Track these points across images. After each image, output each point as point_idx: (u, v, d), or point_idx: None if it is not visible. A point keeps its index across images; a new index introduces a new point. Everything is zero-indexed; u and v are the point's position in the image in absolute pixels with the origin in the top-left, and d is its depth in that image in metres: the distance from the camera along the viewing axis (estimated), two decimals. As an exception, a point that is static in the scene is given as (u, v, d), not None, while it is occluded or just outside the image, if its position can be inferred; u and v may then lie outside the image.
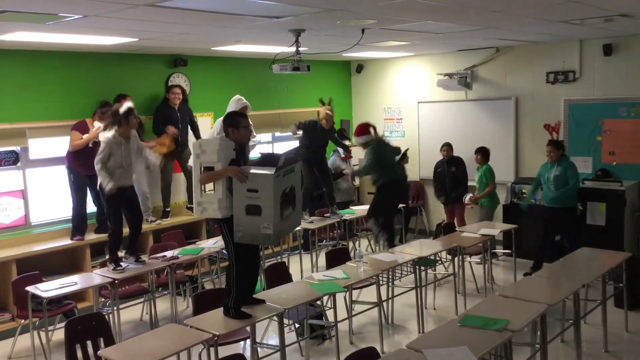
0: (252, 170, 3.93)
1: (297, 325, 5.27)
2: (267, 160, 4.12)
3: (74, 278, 5.31)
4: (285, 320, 4.48)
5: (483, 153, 7.72)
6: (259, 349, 4.60)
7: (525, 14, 5.13)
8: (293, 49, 5.74)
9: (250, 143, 6.65)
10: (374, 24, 5.31)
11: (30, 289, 5.01)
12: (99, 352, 3.93)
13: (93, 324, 4.23)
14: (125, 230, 5.58)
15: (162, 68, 7.44)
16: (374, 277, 5.24)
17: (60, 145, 6.47)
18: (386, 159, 6.67)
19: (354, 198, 9.08)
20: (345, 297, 5.43)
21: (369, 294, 5.75)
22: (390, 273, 5.63)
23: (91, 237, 6.55)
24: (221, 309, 4.18)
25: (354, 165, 9.29)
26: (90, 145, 6.31)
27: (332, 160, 8.70)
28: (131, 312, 6.13)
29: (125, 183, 5.40)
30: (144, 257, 5.79)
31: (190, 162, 6.91)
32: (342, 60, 9.69)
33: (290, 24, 5.05)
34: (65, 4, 3.83)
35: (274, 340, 5.12)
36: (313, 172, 7.35)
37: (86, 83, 6.70)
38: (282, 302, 4.38)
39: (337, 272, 5.15)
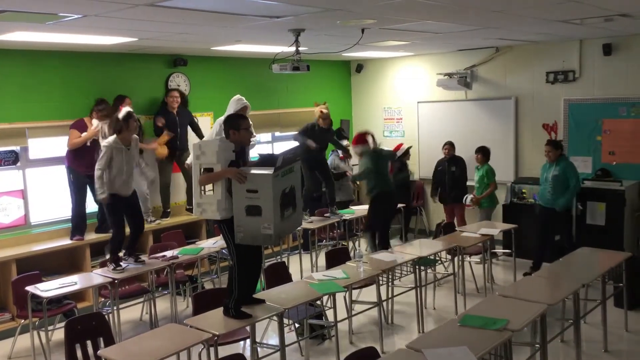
0: (252, 171, 3.94)
1: (297, 325, 5.27)
2: (266, 161, 4.13)
3: (74, 278, 5.31)
4: (285, 320, 4.48)
5: (483, 152, 7.72)
6: (258, 349, 4.60)
7: (525, 13, 5.13)
8: (293, 48, 5.74)
9: (251, 143, 6.66)
10: (373, 24, 5.31)
11: (30, 288, 5.01)
12: (98, 352, 3.93)
13: (93, 323, 4.23)
14: (126, 231, 5.58)
15: (162, 68, 7.43)
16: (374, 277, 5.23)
17: (60, 145, 6.47)
18: (380, 167, 6.71)
19: (353, 198, 9.08)
20: (345, 297, 5.43)
21: (368, 294, 5.75)
22: (390, 273, 5.63)
23: (91, 237, 6.55)
24: (221, 309, 4.18)
25: (353, 165, 9.29)
26: (89, 144, 6.31)
27: (331, 159, 8.70)
28: (131, 312, 6.13)
29: (126, 192, 5.40)
30: (144, 257, 5.78)
31: (189, 161, 6.92)
32: (341, 60, 9.69)
33: (290, 23, 5.05)
34: (64, 3, 3.83)
35: (274, 340, 5.11)
36: (314, 174, 7.36)
37: (86, 83, 6.70)
38: (282, 302, 4.38)
39: (337, 272, 5.15)
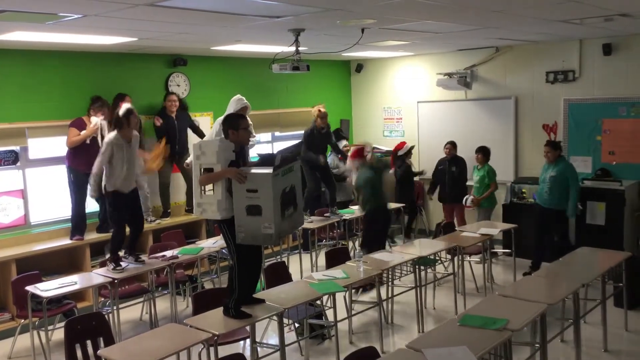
0: (251, 170, 3.94)
1: (296, 325, 5.27)
2: (266, 161, 4.13)
3: (74, 278, 5.31)
4: (285, 320, 4.48)
5: (484, 152, 7.72)
6: (258, 349, 4.60)
7: (525, 13, 5.13)
8: (293, 48, 5.74)
9: (250, 142, 6.66)
10: (373, 24, 5.31)
11: (29, 288, 5.01)
12: (98, 352, 3.93)
13: (93, 323, 4.23)
14: (126, 230, 5.58)
15: (162, 68, 7.43)
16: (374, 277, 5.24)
17: (59, 145, 6.46)
18: (375, 182, 6.66)
19: (353, 197, 9.08)
20: (345, 297, 5.43)
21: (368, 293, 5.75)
22: (390, 273, 5.63)
23: (91, 236, 6.54)
24: (221, 309, 4.18)
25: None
26: (88, 142, 6.30)
27: (330, 160, 8.70)
28: (131, 312, 6.13)
29: (128, 188, 5.40)
30: (144, 257, 5.78)
31: (188, 161, 6.93)
32: (341, 60, 9.69)
33: (290, 23, 5.05)
34: (64, 3, 3.83)
35: (274, 340, 5.11)
36: (315, 174, 7.36)
37: (86, 83, 6.70)
38: (281, 301, 4.38)
39: (337, 272, 5.15)
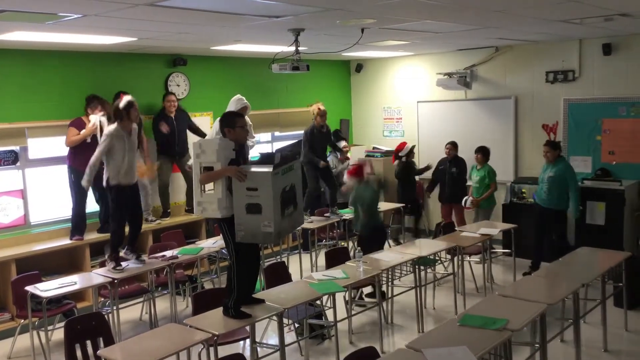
0: (251, 169, 3.94)
1: (296, 325, 5.27)
2: (266, 160, 4.12)
3: (74, 278, 5.31)
4: (285, 320, 4.48)
5: (483, 152, 7.72)
6: (258, 349, 4.60)
7: (525, 13, 5.12)
8: (292, 48, 5.74)
9: (250, 144, 6.67)
10: (373, 24, 5.31)
11: (29, 288, 5.01)
12: (98, 352, 3.93)
13: (92, 323, 4.23)
14: (126, 230, 5.58)
15: (162, 67, 7.43)
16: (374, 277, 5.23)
17: (59, 144, 6.45)
18: (368, 200, 6.50)
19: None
20: (344, 297, 5.43)
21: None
22: (390, 273, 5.63)
23: (90, 236, 6.54)
24: (221, 309, 4.18)
25: (352, 164, 9.28)
26: (89, 140, 6.30)
27: (329, 160, 8.68)
28: (131, 312, 6.12)
29: (130, 181, 5.41)
30: (144, 257, 5.78)
31: (190, 162, 6.93)
32: (341, 60, 9.69)
33: (289, 23, 5.05)
34: (64, 3, 3.82)
35: (274, 340, 5.11)
36: (316, 174, 7.35)
37: (86, 82, 6.69)
38: (281, 301, 4.37)
39: (337, 272, 5.15)
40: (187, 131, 7.38)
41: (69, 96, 6.57)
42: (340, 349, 4.86)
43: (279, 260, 6.39)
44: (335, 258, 5.70)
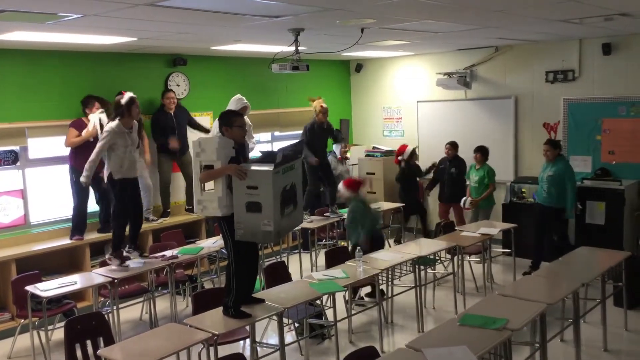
0: (252, 167, 3.93)
1: (296, 325, 5.26)
2: (267, 158, 4.12)
3: (74, 277, 5.31)
4: (285, 320, 4.48)
5: (482, 152, 7.72)
6: (258, 349, 4.60)
7: (525, 13, 5.12)
8: (292, 48, 5.74)
9: (250, 145, 6.67)
10: (373, 24, 5.31)
11: (29, 288, 5.01)
12: (98, 352, 3.93)
13: (93, 323, 4.23)
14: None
15: (162, 67, 7.43)
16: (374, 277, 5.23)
17: (59, 144, 6.46)
18: (370, 227, 6.37)
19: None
20: (344, 296, 5.43)
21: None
22: (390, 272, 5.63)
23: (90, 236, 6.54)
24: (221, 309, 4.18)
25: (352, 164, 9.29)
26: (92, 139, 6.29)
27: (328, 159, 8.67)
28: (131, 312, 6.13)
29: (133, 174, 5.44)
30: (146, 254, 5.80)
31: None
32: (341, 60, 9.69)
33: (289, 23, 5.05)
34: (64, 3, 3.82)
35: (274, 340, 5.12)
36: (317, 173, 7.34)
37: (86, 82, 6.69)
38: (281, 301, 4.37)
39: (337, 272, 5.15)
40: (187, 130, 7.38)
41: (69, 96, 6.57)
42: (340, 349, 4.86)
43: (278, 259, 6.39)
44: (335, 258, 5.70)
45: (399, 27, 5.63)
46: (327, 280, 4.90)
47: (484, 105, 8.48)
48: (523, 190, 7.79)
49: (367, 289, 6.24)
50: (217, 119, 6.79)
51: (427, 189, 8.56)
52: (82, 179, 5.36)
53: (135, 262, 5.50)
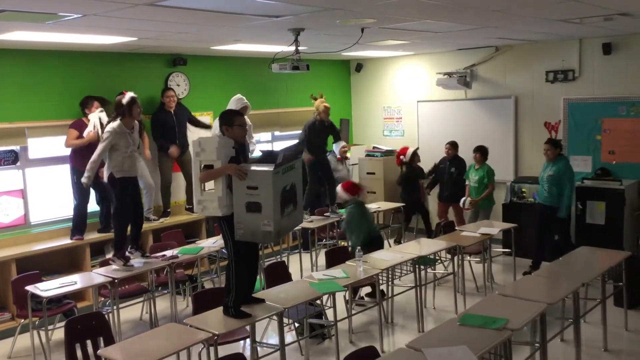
0: (252, 167, 3.93)
1: (296, 325, 5.26)
2: (268, 158, 4.12)
3: (74, 277, 5.31)
4: (285, 320, 4.47)
5: (482, 152, 7.71)
6: (258, 348, 4.60)
7: (524, 13, 5.12)
8: (292, 48, 5.74)
9: (251, 147, 6.66)
10: (373, 23, 5.31)
11: (29, 288, 5.01)
12: (98, 352, 3.93)
13: (93, 323, 4.23)
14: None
15: (162, 67, 7.43)
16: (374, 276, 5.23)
17: (59, 144, 6.46)
18: (362, 224, 6.38)
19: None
20: (345, 296, 5.43)
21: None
22: (390, 272, 5.63)
23: (91, 236, 6.54)
24: (221, 308, 4.18)
25: (352, 164, 9.28)
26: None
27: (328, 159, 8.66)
28: (131, 312, 6.13)
29: (134, 173, 5.44)
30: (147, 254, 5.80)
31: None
32: (341, 60, 9.69)
33: (289, 23, 5.05)
34: (64, 3, 3.83)
35: (274, 340, 5.11)
36: (318, 173, 7.34)
37: (85, 82, 6.69)
38: (281, 301, 4.37)
39: (337, 272, 5.15)
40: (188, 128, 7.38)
41: (69, 96, 6.57)
42: (340, 349, 4.86)
43: (279, 259, 6.39)
44: (335, 257, 5.70)
45: (399, 27, 5.63)
46: (327, 280, 4.90)
47: (484, 105, 8.48)
48: (523, 190, 7.79)
49: (367, 289, 6.23)
50: (217, 118, 6.85)
51: (427, 188, 8.57)
52: (83, 179, 5.36)
53: (136, 262, 5.50)
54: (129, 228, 5.59)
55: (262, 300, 4.36)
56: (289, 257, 7.03)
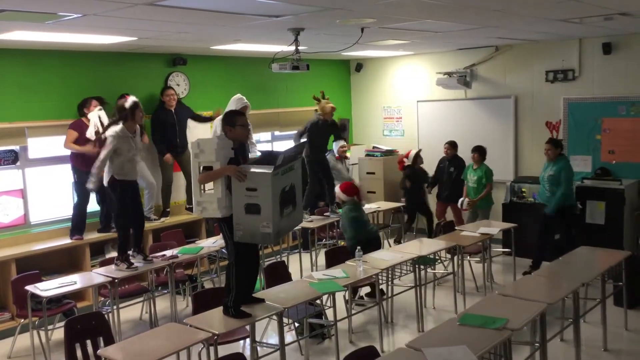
0: (251, 169, 3.93)
1: (296, 325, 5.26)
2: (267, 158, 4.11)
3: (74, 277, 5.31)
4: (285, 320, 4.47)
5: (480, 152, 7.69)
6: (258, 348, 4.60)
7: (524, 12, 5.12)
8: (292, 47, 5.74)
9: (252, 149, 6.66)
10: (373, 23, 5.31)
11: (29, 288, 5.01)
12: (98, 352, 3.93)
13: (92, 323, 4.23)
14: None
15: (162, 67, 7.43)
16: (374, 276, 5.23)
17: (59, 144, 6.45)
18: (360, 221, 6.40)
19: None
20: (344, 296, 5.43)
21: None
22: (390, 272, 5.63)
23: (90, 236, 6.54)
24: (221, 308, 4.18)
25: (352, 164, 9.28)
26: (93, 137, 6.27)
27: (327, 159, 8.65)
28: (131, 312, 6.13)
29: (134, 176, 5.45)
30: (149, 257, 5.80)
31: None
32: (341, 59, 9.69)
33: (289, 22, 5.05)
34: (64, 3, 3.83)
35: (274, 340, 5.11)
36: (318, 173, 7.33)
37: (85, 82, 6.69)
38: (281, 301, 4.37)
39: (337, 271, 5.15)
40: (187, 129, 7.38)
41: (68, 96, 6.57)
42: (340, 349, 4.86)
43: (278, 259, 6.39)
44: (335, 257, 5.70)
45: (399, 26, 5.63)
46: (327, 280, 4.90)
47: (484, 104, 8.48)
48: (523, 189, 7.79)
49: (367, 289, 6.23)
50: (216, 119, 6.85)
51: (428, 187, 8.55)
52: (89, 185, 5.33)
53: (136, 262, 5.49)
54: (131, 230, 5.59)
55: (262, 300, 4.36)
56: (288, 257, 7.03)
